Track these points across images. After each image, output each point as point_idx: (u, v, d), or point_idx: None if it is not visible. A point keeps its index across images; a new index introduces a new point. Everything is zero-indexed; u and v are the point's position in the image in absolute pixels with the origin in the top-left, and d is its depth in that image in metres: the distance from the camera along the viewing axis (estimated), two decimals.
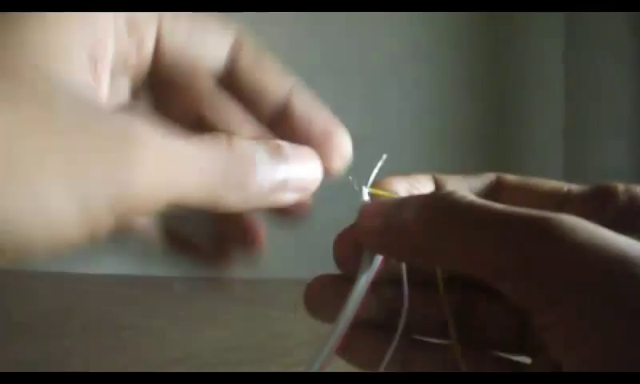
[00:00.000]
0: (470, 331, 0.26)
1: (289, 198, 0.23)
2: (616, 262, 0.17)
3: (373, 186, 0.26)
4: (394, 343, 0.26)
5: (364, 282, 0.25)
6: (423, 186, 0.27)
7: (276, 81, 0.25)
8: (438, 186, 0.27)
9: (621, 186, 0.24)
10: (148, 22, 0.23)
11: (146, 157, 0.18)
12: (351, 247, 0.25)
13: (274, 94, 0.25)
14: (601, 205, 0.24)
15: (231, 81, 0.25)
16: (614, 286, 0.17)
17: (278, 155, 0.23)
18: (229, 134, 0.22)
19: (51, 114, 0.18)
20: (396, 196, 0.25)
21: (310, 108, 0.25)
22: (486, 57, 1.06)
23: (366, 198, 0.25)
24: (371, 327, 0.26)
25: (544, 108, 1.07)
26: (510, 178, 0.27)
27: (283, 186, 0.23)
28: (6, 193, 0.16)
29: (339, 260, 0.26)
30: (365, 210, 0.24)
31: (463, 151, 1.06)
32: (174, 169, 0.19)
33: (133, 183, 0.18)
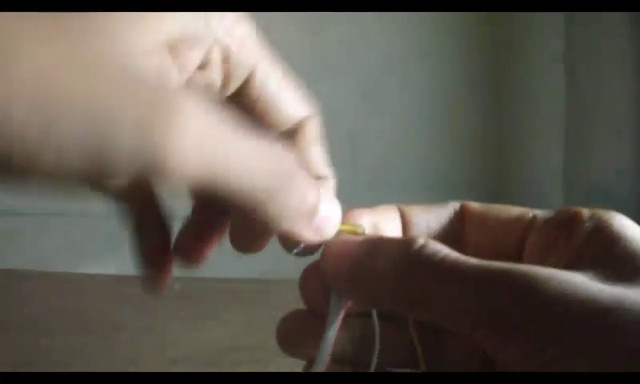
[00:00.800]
0: (439, 360, 0.26)
1: (312, 234, 0.23)
2: (589, 312, 0.19)
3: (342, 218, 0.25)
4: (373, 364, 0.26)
5: (334, 322, 0.25)
6: (388, 219, 0.26)
7: (316, 166, 0.26)
8: (404, 218, 0.27)
9: (586, 212, 0.24)
10: (243, 60, 0.23)
11: (187, 124, 0.17)
12: (317, 286, 0.25)
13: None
14: (566, 232, 0.24)
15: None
16: (588, 336, 0.18)
17: (316, 183, 0.23)
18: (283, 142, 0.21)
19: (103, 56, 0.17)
20: (361, 231, 0.25)
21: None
22: (486, 57, 1.06)
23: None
24: (340, 361, 0.26)
25: (544, 108, 1.07)
26: (474, 205, 0.27)
27: (314, 213, 0.22)
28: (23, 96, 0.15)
29: (306, 299, 0.26)
30: (330, 251, 0.24)
31: (463, 151, 1.06)
32: (214, 149, 0.18)
33: (163, 145, 0.17)
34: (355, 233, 0.25)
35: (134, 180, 0.17)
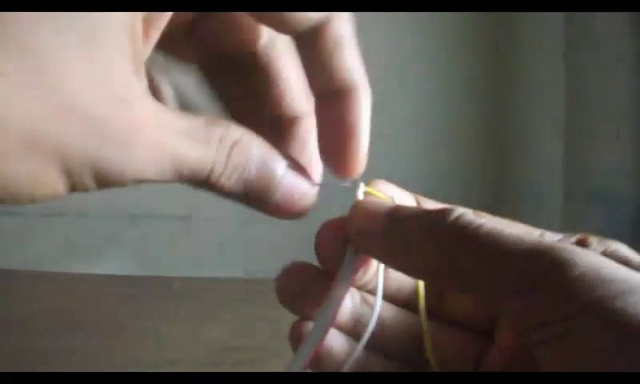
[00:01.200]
0: (443, 310, 0.27)
1: (276, 196, 0.23)
2: (610, 290, 0.19)
3: (368, 185, 0.26)
4: (356, 353, 0.25)
5: (346, 279, 0.24)
6: (407, 198, 0.27)
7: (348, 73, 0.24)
8: (418, 205, 0.27)
9: (593, 240, 0.24)
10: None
11: (142, 118, 0.19)
12: (336, 242, 0.25)
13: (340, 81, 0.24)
14: None
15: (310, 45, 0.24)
16: (607, 312, 0.18)
17: (274, 154, 0.23)
18: (226, 122, 0.22)
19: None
20: (390, 200, 0.25)
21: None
22: (486, 57, 1.06)
23: (361, 196, 0.25)
24: (339, 332, 0.26)
25: (544, 108, 1.07)
26: (485, 216, 0.27)
27: (270, 179, 0.23)
28: None
29: (321, 253, 0.25)
30: (361, 209, 0.24)
31: (463, 151, 1.06)
32: (168, 136, 0.20)
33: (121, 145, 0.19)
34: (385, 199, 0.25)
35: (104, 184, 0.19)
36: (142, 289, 0.79)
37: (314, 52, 0.23)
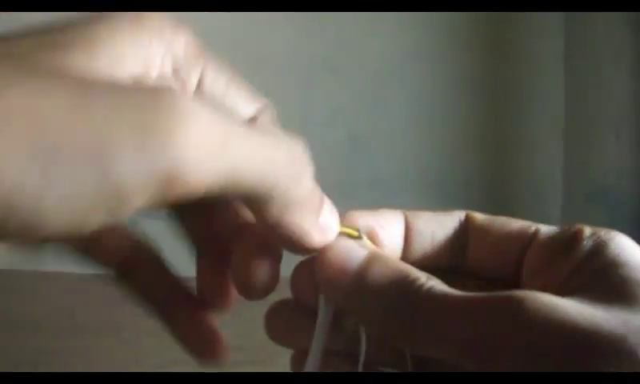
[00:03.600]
0: (425, 360, 0.27)
1: (319, 234, 0.23)
2: (573, 334, 0.19)
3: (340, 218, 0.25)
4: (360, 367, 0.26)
5: (324, 323, 0.25)
6: (390, 223, 0.26)
7: None
8: (407, 224, 0.27)
9: (587, 230, 0.24)
10: (192, 67, 0.23)
11: (196, 131, 0.17)
12: (309, 284, 0.25)
13: None
14: (565, 250, 0.24)
15: None
16: (568, 356, 0.19)
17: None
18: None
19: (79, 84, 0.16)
20: (356, 235, 0.25)
21: None
22: (486, 57, 1.06)
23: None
24: (333, 356, 0.27)
25: (544, 108, 1.07)
26: (479, 217, 0.27)
27: (320, 208, 0.23)
28: (8, 161, 0.14)
29: (297, 295, 0.26)
30: (328, 258, 0.24)
31: (463, 151, 1.06)
32: (226, 145, 0.18)
33: (172, 153, 0.16)
34: (352, 236, 0.25)
35: (152, 205, 0.17)
36: None
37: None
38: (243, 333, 0.61)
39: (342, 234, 0.24)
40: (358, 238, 0.25)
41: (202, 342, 0.28)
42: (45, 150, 0.15)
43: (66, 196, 0.15)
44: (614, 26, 0.95)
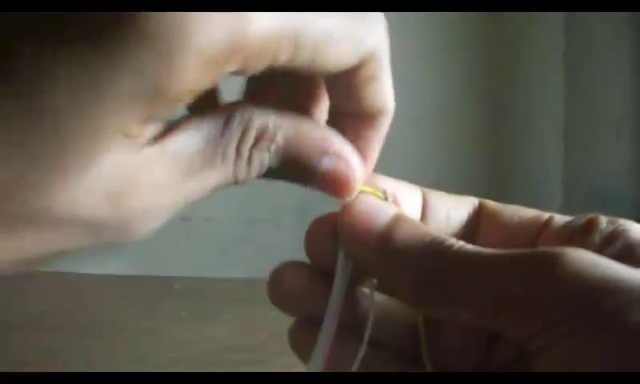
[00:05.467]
0: (437, 351, 0.26)
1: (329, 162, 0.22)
2: (611, 288, 0.18)
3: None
4: (361, 353, 0.25)
5: (344, 278, 0.24)
6: (409, 195, 0.26)
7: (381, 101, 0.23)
8: (425, 200, 0.26)
9: (603, 218, 0.23)
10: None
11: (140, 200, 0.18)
12: (326, 241, 0.24)
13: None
14: (581, 236, 0.23)
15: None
16: (608, 309, 0.18)
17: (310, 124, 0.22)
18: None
19: None
20: (382, 196, 0.24)
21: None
22: (487, 57, 1.06)
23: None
24: (341, 331, 0.26)
25: (544, 108, 1.07)
26: (491, 204, 0.27)
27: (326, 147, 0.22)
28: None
29: (312, 254, 0.24)
30: (354, 214, 0.23)
31: (463, 151, 1.06)
32: (172, 189, 0.19)
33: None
34: (376, 195, 0.24)
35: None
36: (142, 289, 0.79)
37: (345, 83, 0.22)
38: (243, 333, 0.61)
39: (365, 191, 0.24)
40: (384, 199, 0.24)
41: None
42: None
43: None
44: (614, 26, 0.95)
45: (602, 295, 0.18)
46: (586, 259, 0.19)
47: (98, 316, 0.65)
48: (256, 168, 0.20)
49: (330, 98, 0.23)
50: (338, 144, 0.22)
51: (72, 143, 0.16)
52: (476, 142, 1.06)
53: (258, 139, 0.20)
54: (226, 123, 0.20)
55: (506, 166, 1.07)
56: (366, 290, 0.26)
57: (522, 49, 1.07)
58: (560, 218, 0.25)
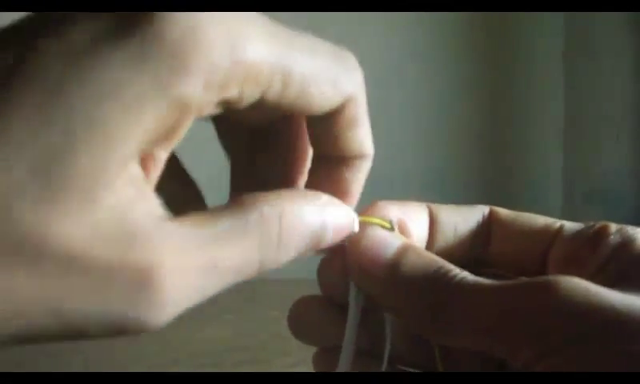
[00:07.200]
0: (453, 364, 0.26)
1: (328, 239, 0.22)
2: (610, 317, 0.19)
3: (362, 213, 0.24)
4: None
5: (356, 309, 0.25)
6: (416, 216, 0.26)
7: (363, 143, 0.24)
8: (432, 217, 0.27)
9: (613, 226, 0.24)
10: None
11: (168, 281, 0.17)
12: (338, 275, 0.25)
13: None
14: (591, 244, 0.24)
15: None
16: (607, 337, 0.19)
17: (316, 202, 0.22)
18: (253, 199, 0.20)
19: None
20: (389, 226, 0.25)
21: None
22: (487, 57, 1.06)
23: (356, 228, 0.24)
24: (358, 355, 0.26)
25: (544, 108, 1.07)
26: (503, 212, 0.27)
27: (322, 229, 0.22)
28: None
29: (325, 288, 0.26)
30: (361, 247, 0.24)
31: (463, 151, 1.06)
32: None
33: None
34: (384, 226, 0.24)
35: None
36: None
37: (327, 127, 0.22)
38: (244, 333, 0.61)
39: (373, 224, 0.24)
40: (390, 229, 0.25)
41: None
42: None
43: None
44: (614, 26, 0.95)
45: (599, 325, 0.19)
46: (579, 288, 0.20)
47: None
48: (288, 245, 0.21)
49: (313, 145, 0.24)
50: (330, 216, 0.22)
51: (84, 151, 0.15)
52: (476, 143, 1.06)
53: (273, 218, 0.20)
54: (238, 208, 0.19)
55: (506, 165, 1.07)
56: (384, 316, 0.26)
57: (522, 49, 1.07)
58: (570, 227, 0.25)
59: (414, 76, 1.03)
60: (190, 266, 0.17)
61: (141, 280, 0.16)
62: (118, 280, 0.16)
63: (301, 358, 0.47)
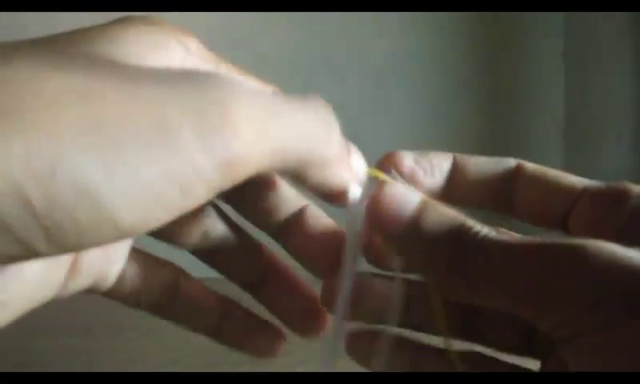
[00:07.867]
0: (477, 332, 0.26)
1: (346, 175, 0.23)
2: (635, 283, 0.19)
3: (372, 166, 0.25)
4: (388, 337, 0.25)
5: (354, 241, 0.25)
6: (431, 164, 0.27)
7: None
8: (456, 164, 0.27)
9: (636, 188, 0.24)
10: (207, 68, 0.23)
11: (242, 115, 0.17)
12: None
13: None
14: (614, 205, 0.24)
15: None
16: (634, 300, 0.18)
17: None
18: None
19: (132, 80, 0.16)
20: (394, 181, 0.25)
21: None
22: (487, 57, 1.06)
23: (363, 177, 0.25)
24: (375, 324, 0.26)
25: (544, 108, 1.07)
26: (530, 166, 0.27)
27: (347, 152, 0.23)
28: (81, 160, 0.14)
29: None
30: (380, 205, 0.24)
31: (463, 151, 1.05)
32: (270, 123, 0.18)
33: (231, 148, 0.17)
34: (379, 177, 0.25)
35: (214, 192, 0.17)
36: None
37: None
38: None
39: (373, 175, 0.25)
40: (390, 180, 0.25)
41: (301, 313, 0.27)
42: (104, 137, 0.15)
43: (130, 191, 0.15)
44: (614, 26, 0.95)
45: (625, 288, 0.19)
46: (606, 250, 0.19)
47: (97, 316, 0.64)
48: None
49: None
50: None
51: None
52: (476, 142, 1.06)
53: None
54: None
55: None
56: (394, 274, 0.26)
57: (522, 49, 1.07)
58: (595, 187, 0.26)
59: (414, 76, 1.03)
60: (259, 107, 0.18)
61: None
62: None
63: (301, 358, 0.47)
